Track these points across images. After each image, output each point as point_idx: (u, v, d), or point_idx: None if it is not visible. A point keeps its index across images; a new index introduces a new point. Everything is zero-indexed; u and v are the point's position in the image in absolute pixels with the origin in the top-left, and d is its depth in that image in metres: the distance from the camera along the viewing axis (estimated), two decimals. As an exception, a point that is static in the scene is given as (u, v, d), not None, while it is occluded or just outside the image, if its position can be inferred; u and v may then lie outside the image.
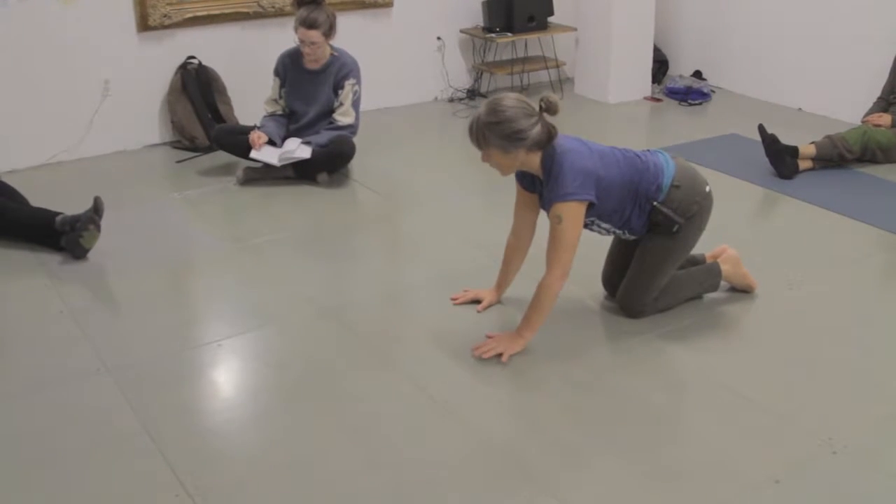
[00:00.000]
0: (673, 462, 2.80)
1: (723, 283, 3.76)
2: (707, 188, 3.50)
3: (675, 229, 3.41)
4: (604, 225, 3.44)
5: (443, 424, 2.99)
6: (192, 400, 3.13)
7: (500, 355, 3.28)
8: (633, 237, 3.53)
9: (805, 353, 3.40)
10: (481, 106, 3.23)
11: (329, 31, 4.91)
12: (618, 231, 3.49)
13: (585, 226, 3.37)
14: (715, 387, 3.19)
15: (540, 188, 3.37)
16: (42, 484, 2.70)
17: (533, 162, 3.25)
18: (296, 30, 4.91)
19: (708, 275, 3.71)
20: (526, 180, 3.43)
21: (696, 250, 3.70)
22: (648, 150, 3.51)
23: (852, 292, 3.88)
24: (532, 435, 2.92)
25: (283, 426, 2.98)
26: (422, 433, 2.94)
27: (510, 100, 3.19)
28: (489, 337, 3.40)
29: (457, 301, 3.70)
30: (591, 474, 2.74)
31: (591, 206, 3.26)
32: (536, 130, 3.16)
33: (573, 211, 3.21)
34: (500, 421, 3.02)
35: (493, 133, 3.16)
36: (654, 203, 3.37)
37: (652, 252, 3.49)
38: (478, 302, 3.68)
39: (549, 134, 3.21)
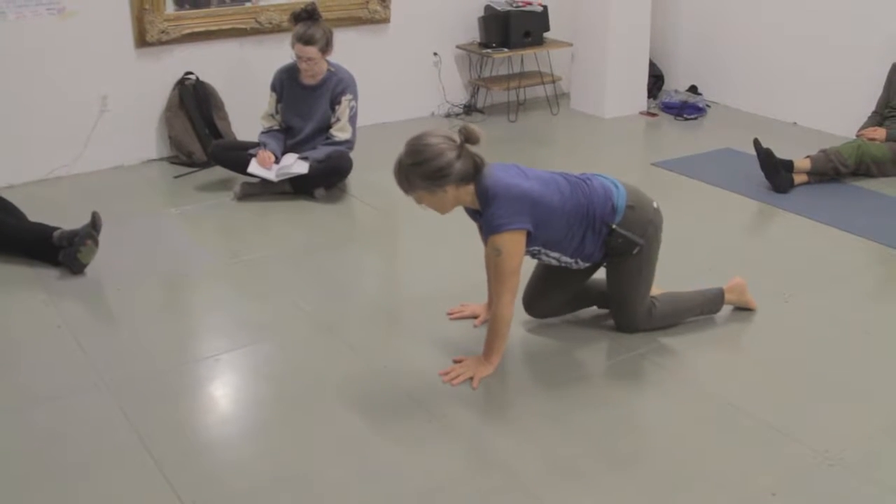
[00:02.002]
0: (670, 475, 2.80)
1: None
2: (655, 205, 3.46)
3: (635, 251, 3.37)
4: (552, 254, 3.36)
5: (440, 438, 2.99)
6: (189, 414, 3.14)
7: (470, 380, 3.27)
8: (586, 265, 3.46)
9: (801, 366, 3.41)
10: (403, 148, 3.15)
11: (326, 47, 4.93)
12: (569, 260, 3.40)
13: (533, 255, 3.33)
14: (711, 400, 3.19)
15: (478, 221, 3.31)
16: (40, 499, 2.69)
17: (466, 197, 3.17)
18: (293, 46, 4.93)
19: (711, 302, 3.70)
20: (470, 212, 3.35)
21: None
22: (590, 174, 3.42)
23: (847, 305, 3.89)
24: (529, 449, 2.92)
25: (280, 440, 2.98)
26: (419, 447, 2.95)
27: (429, 137, 3.09)
28: (456, 361, 3.37)
29: (453, 316, 3.70)
30: (588, 488, 2.75)
31: (531, 234, 3.19)
32: (459, 165, 3.06)
33: (510, 241, 3.14)
34: (497, 434, 3.02)
35: (416, 175, 3.07)
36: (613, 226, 3.31)
37: (622, 277, 3.46)
38: (474, 317, 3.69)
39: (475, 164, 3.10)
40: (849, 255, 4.42)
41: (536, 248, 3.30)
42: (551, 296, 3.62)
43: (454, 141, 3.09)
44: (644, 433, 3.04)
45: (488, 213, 3.15)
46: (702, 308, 3.69)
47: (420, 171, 3.06)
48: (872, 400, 3.20)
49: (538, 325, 3.67)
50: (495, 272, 3.21)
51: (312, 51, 4.88)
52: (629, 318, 3.55)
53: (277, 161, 4.99)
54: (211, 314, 3.94)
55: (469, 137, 3.08)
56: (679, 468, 2.84)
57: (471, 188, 3.15)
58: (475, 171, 3.11)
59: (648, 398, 3.24)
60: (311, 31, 4.87)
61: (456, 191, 3.13)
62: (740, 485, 2.76)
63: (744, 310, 3.79)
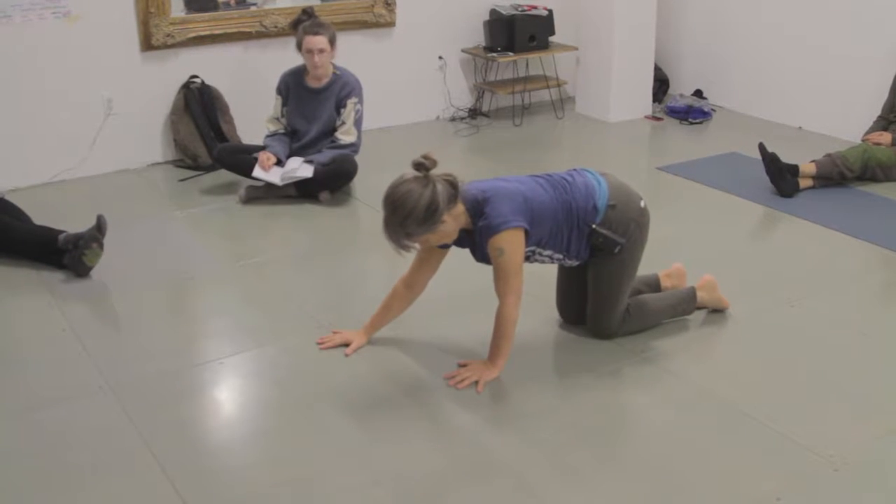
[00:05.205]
0: (674, 480, 2.79)
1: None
2: (642, 203, 3.46)
3: (616, 250, 3.37)
4: (545, 252, 3.36)
5: (444, 442, 2.99)
6: (194, 417, 3.14)
7: (475, 383, 3.27)
8: (576, 263, 3.46)
9: (805, 371, 3.40)
10: (382, 210, 3.10)
11: (332, 40, 4.97)
12: (560, 257, 3.40)
13: (526, 258, 3.30)
14: (715, 404, 3.18)
15: (468, 243, 3.30)
16: (44, 501, 2.70)
17: (461, 217, 3.17)
18: (299, 45, 4.96)
19: (684, 301, 3.69)
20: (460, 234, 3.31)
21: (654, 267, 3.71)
22: (575, 170, 3.45)
23: (853, 310, 3.88)
24: (533, 453, 2.92)
25: (284, 443, 2.98)
26: (424, 451, 2.95)
27: (400, 186, 3.06)
28: (461, 365, 3.37)
29: (324, 346, 3.53)
30: (592, 492, 2.74)
31: (527, 233, 3.20)
32: (440, 191, 3.04)
33: (511, 239, 3.15)
34: (501, 438, 3.02)
35: (412, 224, 3.03)
36: (593, 225, 3.32)
37: (602, 276, 3.45)
38: (345, 345, 3.53)
39: (450, 183, 3.10)
40: (854, 259, 4.41)
41: (531, 248, 3.29)
42: (577, 298, 3.62)
43: (420, 175, 3.08)
44: (648, 437, 3.03)
45: (486, 220, 3.16)
46: (675, 309, 3.68)
47: (413, 219, 3.03)
48: (878, 404, 3.20)
49: (541, 329, 3.66)
50: (500, 272, 3.20)
51: (322, 41, 4.91)
52: (605, 322, 3.52)
53: (280, 163, 5.00)
54: (215, 317, 3.94)
55: (426, 165, 3.07)
56: (683, 472, 2.83)
57: (461, 207, 3.16)
58: (455, 189, 3.12)
59: (652, 401, 3.23)
60: (316, 24, 4.94)
61: (451, 215, 3.12)
62: (744, 489, 2.75)
63: (718, 311, 3.78)
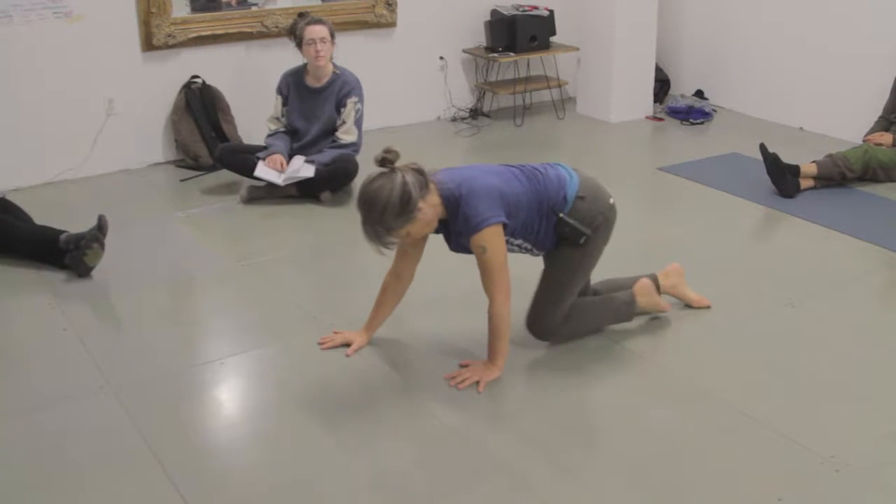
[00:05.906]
0: (674, 480, 2.79)
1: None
2: (611, 200, 3.45)
3: (581, 240, 3.35)
4: (515, 242, 3.36)
5: (445, 442, 2.99)
6: (194, 417, 3.14)
7: (476, 384, 3.27)
8: (541, 253, 3.47)
9: (806, 371, 3.40)
10: (358, 212, 3.08)
11: (332, 33, 5.00)
12: (528, 246, 3.40)
13: None
14: (716, 404, 3.18)
15: (443, 230, 3.30)
16: (45, 501, 2.70)
17: (438, 207, 3.18)
18: (300, 42, 4.97)
19: (624, 305, 3.64)
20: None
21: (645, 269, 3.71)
22: (548, 164, 3.45)
23: (853, 310, 3.88)
24: (534, 454, 2.92)
25: (285, 444, 2.98)
26: (424, 451, 2.95)
27: (370, 185, 3.05)
28: (462, 366, 3.37)
29: (325, 346, 3.53)
30: (591, 492, 2.74)
31: (505, 225, 3.20)
32: (410, 180, 3.03)
33: (492, 236, 3.15)
34: (502, 438, 3.01)
35: (389, 218, 3.02)
36: (560, 215, 3.32)
37: (557, 266, 3.43)
38: (347, 345, 3.54)
39: (417, 171, 3.10)
40: (855, 259, 4.41)
41: (505, 237, 3.27)
42: None
43: (386, 170, 3.08)
44: (646, 436, 3.03)
45: (464, 216, 3.15)
46: (617, 314, 3.63)
47: (390, 212, 3.02)
48: (878, 405, 3.20)
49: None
50: (486, 271, 3.21)
51: (323, 30, 4.95)
52: (546, 319, 3.46)
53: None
54: (216, 317, 3.95)
55: (389, 159, 3.08)
56: (684, 472, 2.83)
57: (435, 198, 3.15)
58: (423, 176, 3.12)
59: (651, 401, 3.22)
60: (315, 17, 5.01)
61: (426, 203, 3.11)
62: (745, 490, 2.75)
63: (683, 310, 3.77)
